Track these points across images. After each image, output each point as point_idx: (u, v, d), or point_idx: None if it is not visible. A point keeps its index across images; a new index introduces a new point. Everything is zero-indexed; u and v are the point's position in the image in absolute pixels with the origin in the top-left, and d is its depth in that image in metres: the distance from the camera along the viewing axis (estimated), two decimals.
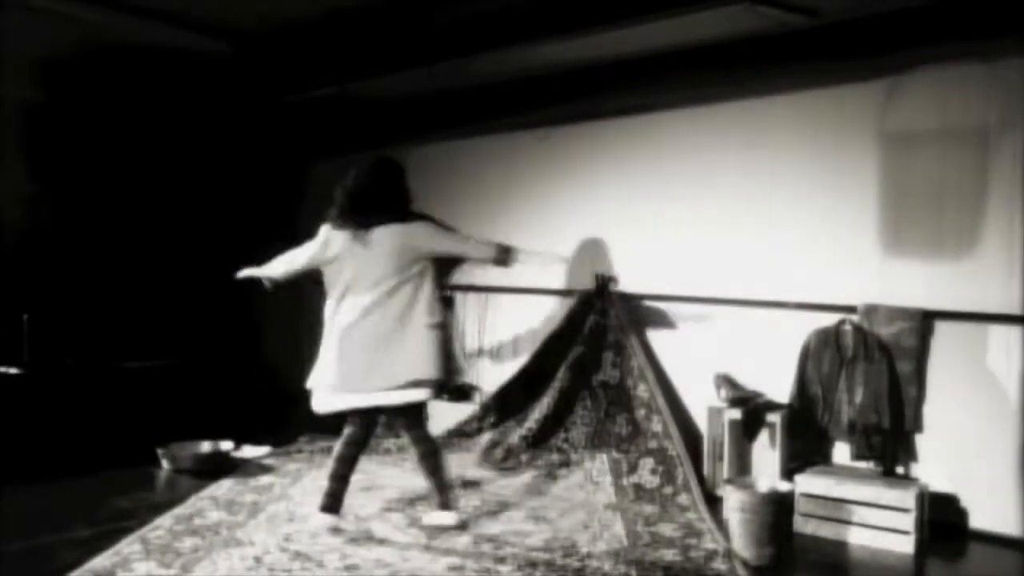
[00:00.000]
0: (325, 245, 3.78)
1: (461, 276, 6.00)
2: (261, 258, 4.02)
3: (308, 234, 3.94)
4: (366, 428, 3.80)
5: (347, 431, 3.79)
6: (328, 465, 3.80)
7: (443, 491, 3.84)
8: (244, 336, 6.50)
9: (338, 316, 3.73)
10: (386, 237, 3.69)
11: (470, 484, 4.57)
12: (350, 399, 3.70)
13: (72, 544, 3.53)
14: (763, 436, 4.35)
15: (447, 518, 3.83)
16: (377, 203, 3.74)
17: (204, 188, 6.44)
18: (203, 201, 6.43)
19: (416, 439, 3.82)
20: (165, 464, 4.83)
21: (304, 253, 3.87)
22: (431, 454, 3.82)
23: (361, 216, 3.71)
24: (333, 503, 3.74)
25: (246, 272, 4.01)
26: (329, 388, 3.72)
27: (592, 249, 5.30)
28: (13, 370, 4.99)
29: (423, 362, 3.66)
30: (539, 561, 3.43)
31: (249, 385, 6.24)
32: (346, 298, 3.72)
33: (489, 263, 3.94)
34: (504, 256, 3.87)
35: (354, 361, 3.66)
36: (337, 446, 3.79)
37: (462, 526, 3.83)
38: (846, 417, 4.17)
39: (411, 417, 3.83)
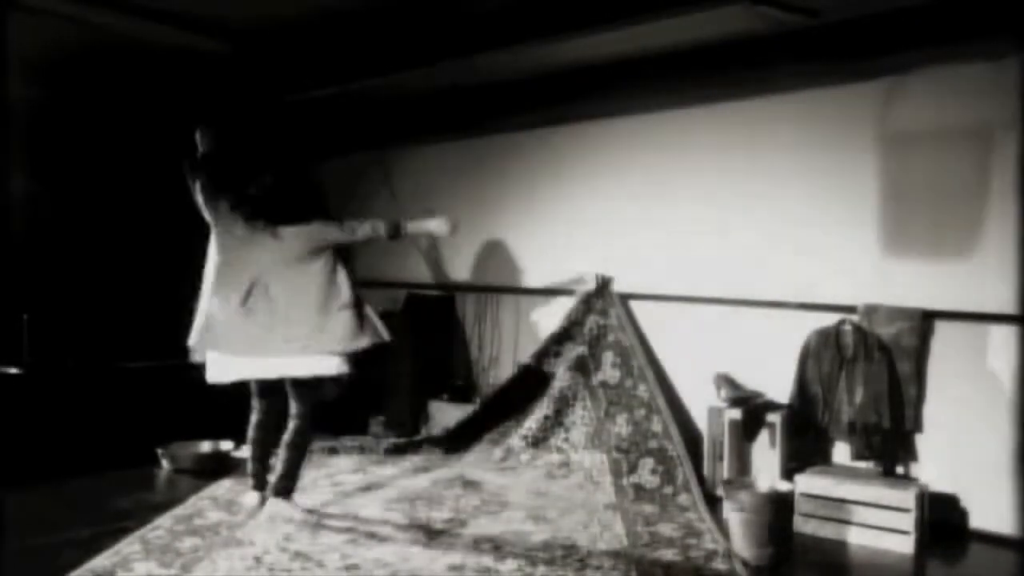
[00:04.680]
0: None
1: (460, 276, 6.06)
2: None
3: None
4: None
5: None
6: None
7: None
8: None
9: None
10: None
11: (470, 484, 4.57)
12: None
13: (72, 544, 3.53)
14: (763, 436, 4.36)
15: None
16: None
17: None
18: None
19: None
20: (165, 464, 4.83)
21: None
22: None
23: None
24: None
25: None
26: None
27: (592, 249, 5.31)
28: (13, 370, 4.99)
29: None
30: (539, 561, 3.44)
31: (248, 385, 6.21)
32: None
33: (384, 239, 4.14)
34: (394, 231, 4.08)
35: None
36: None
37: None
38: (846, 417, 4.16)
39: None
